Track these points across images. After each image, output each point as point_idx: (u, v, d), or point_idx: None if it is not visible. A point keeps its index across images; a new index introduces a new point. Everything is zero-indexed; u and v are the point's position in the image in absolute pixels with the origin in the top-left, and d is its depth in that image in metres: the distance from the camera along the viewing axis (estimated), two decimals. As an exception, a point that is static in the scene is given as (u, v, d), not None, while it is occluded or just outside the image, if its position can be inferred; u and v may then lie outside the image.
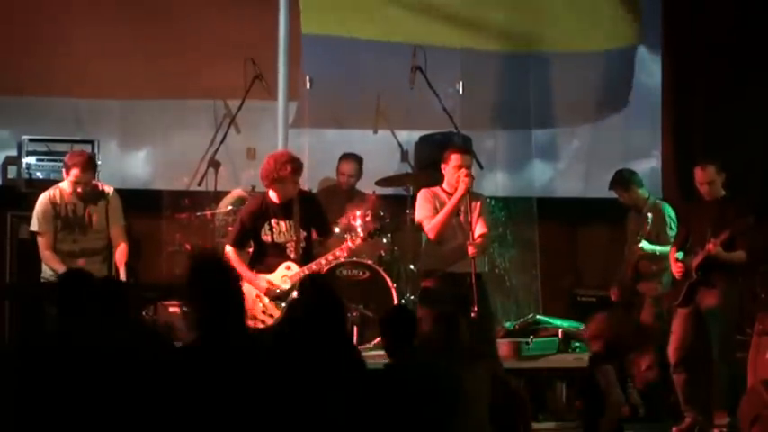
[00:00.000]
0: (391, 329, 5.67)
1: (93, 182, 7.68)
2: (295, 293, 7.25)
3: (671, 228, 8.09)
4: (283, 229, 7.38)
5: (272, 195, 7.39)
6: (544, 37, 10.20)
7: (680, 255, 7.76)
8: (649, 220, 8.00)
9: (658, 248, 8.01)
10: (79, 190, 7.52)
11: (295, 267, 7.37)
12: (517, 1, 10.24)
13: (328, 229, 7.65)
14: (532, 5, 10.23)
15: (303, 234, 7.39)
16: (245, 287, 7.28)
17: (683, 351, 7.62)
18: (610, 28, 10.35)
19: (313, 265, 7.35)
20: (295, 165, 7.32)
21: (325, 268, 7.65)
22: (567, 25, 10.23)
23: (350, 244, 7.46)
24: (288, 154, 7.53)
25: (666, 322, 7.88)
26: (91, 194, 7.60)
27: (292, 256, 7.40)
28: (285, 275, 7.34)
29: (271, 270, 7.35)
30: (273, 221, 7.37)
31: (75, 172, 7.48)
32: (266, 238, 7.37)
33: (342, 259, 7.55)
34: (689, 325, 7.64)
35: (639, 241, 7.98)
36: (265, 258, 7.41)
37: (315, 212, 7.50)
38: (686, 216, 8.03)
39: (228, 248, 7.44)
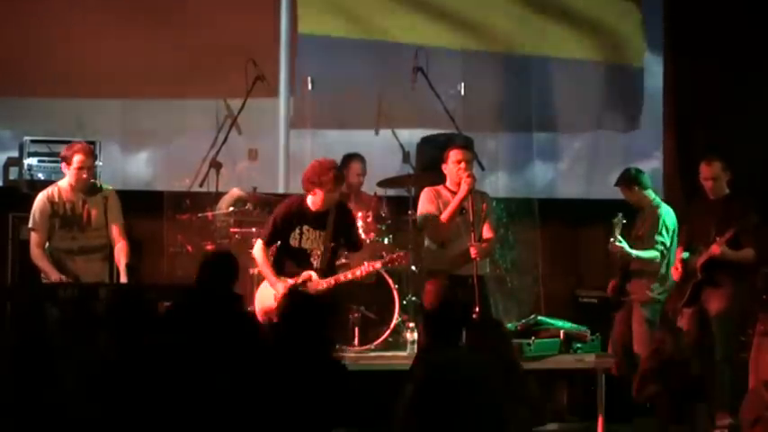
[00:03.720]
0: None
1: (92, 180, 7.67)
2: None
3: (661, 234, 8.04)
4: (312, 237, 7.35)
5: (309, 201, 7.35)
6: (546, 42, 10.21)
7: (686, 255, 7.77)
8: (617, 222, 7.98)
9: (634, 252, 7.98)
10: (84, 176, 7.51)
11: (316, 278, 7.33)
12: (518, 5, 10.25)
13: (358, 243, 7.59)
14: (534, 11, 10.24)
15: (331, 245, 7.37)
16: (268, 288, 7.30)
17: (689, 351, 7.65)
18: (611, 43, 10.37)
19: (332, 280, 7.31)
20: (337, 174, 7.30)
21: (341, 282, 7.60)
22: (568, 33, 10.25)
23: (369, 267, 7.39)
24: (334, 162, 7.53)
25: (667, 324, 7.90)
26: (89, 191, 7.60)
27: (315, 264, 7.36)
28: (305, 284, 7.31)
29: (293, 276, 7.33)
30: (305, 228, 7.35)
31: (79, 158, 7.48)
32: (294, 242, 7.37)
33: (361, 276, 7.48)
34: (693, 325, 7.65)
35: (615, 240, 7.96)
36: (288, 261, 7.40)
37: (348, 225, 7.48)
38: (690, 214, 8.03)
39: (260, 245, 7.41)
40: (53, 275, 7.39)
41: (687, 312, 7.72)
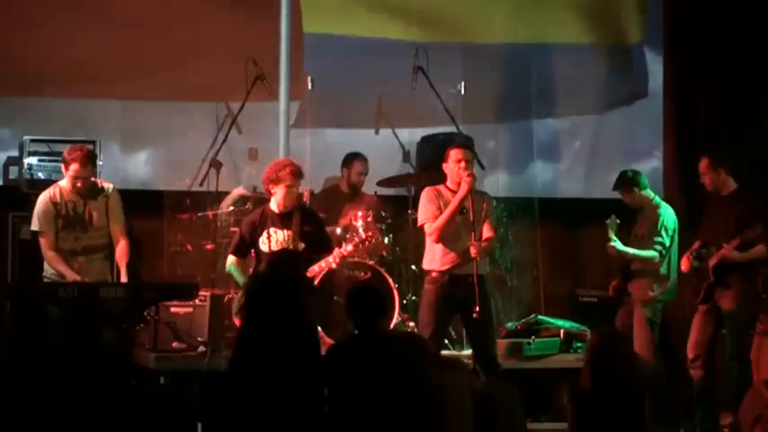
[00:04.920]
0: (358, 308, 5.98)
1: (93, 179, 7.65)
2: None
3: (660, 234, 8.02)
4: (281, 239, 7.38)
5: (273, 205, 7.41)
6: (545, 28, 10.20)
7: (699, 253, 7.76)
8: (611, 223, 7.97)
9: (631, 250, 7.97)
10: (79, 185, 7.47)
11: None
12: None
13: (327, 246, 7.59)
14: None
15: (301, 245, 7.38)
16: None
17: (700, 347, 7.68)
18: (610, 23, 10.36)
19: (308, 274, 7.32)
20: (294, 168, 7.39)
21: (319, 276, 7.64)
22: (567, 17, 10.24)
23: (342, 251, 7.43)
24: (289, 159, 7.64)
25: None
26: (91, 191, 7.56)
27: None
28: None
29: None
30: (272, 230, 7.40)
31: (74, 167, 7.44)
32: (264, 247, 7.40)
33: (334, 266, 7.52)
34: (706, 321, 7.69)
35: (610, 241, 7.95)
36: (263, 267, 7.42)
37: (313, 225, 7.50)
38: (705, 211, 8.04)
39: (231, 258, 7.53)
40: (70, 277, 7.35)
41: (701, 309, 7.75)
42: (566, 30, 10.22)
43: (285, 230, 7.39)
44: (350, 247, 7.46)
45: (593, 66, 10.28)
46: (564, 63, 10.19)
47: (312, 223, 7.53)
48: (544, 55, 10.19)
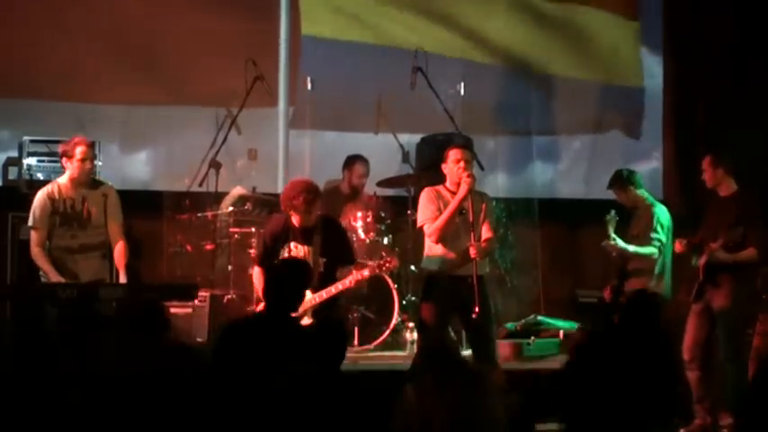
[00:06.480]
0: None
1: (92, 177, 7.66)
2: (305, 320, 7.21)
3: (656, 231, 8.02)
4: (301, 254, 7.31)
5: (293, 218, 7.35)
6: (543, 60, 10.22)
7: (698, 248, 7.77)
8: (610, 219, 7.96)
9: (631, 248, 7.96)
10: (88, 167, 7.46)
11: (308, 294, 7.30)
12: (518, 21, 10.25)
13: (351, 257, 7.52)
14: (532, 30, 10.25)
15: (322, 261, 7.34)
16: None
17: (696, 348, 7.65)
18: (608, 64, 10.38)
19: (323, 293, 7.27)
20: (309, 196, 7.23)
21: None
22: (565, 55, 10.26)
23: (359, 276, 7.35)
24: (305, 183, 7.40)
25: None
26: (90, 188, 7.57)
27: None
28: None
29: None
30: (293, 245, 7.32)
31: (80, 149, 7.43)
32: None
33: (351, 287, 7.45)
34: (700, 322, 7.67)
35: (609, 238, 7.95)
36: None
37: (337, 240, 7.44)
38: (705, 210, 8.05)
39: (257, 271, 7.45)
40: (52, 276, 7.36)
41: (695, 308, 7.74)
42: (559, 64, 10.26)
43: (306, 246, 7.33)
44: (366, 273, 7.36)
45: (590, 100, 10.32)
46: (561, 86, 10.24)
47: (335, 237, 7.45)
48: (544, 78, 10.24)
